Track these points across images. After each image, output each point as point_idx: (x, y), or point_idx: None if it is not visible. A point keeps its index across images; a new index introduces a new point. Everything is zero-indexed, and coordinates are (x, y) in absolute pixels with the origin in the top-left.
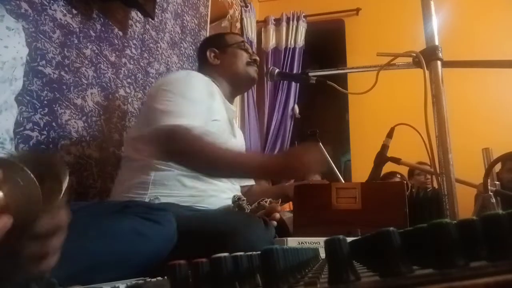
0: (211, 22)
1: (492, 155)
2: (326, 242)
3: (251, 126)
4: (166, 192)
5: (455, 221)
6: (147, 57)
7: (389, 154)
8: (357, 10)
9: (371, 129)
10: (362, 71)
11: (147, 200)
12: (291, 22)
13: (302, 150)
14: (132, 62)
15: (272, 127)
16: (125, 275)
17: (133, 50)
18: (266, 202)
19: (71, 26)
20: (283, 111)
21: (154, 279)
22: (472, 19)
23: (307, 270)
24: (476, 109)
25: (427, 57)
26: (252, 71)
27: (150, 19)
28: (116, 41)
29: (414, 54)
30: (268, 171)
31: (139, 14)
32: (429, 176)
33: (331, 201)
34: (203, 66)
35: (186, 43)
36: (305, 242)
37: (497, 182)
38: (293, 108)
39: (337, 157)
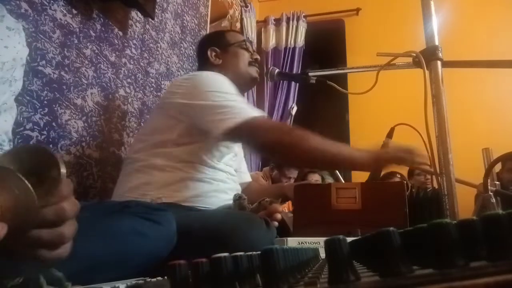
0: (211, 22)
1: (492, 155)
2: (326, 242)
3: None
4: (169, 193)
5: (455, 221)
6: (147, 57)
7: None
8: (357, 10)
9: (371, 129)
10: (362, 71)
11: (149, 201)
12: (291, 22)
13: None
14: (132, 62)
15: None
16: (125, 275)
17: (133, 50)
18: (267, 202)
19: (71, 26)
20: (283, 111)
21: (154, 279)
22: (472, 19)
23: (307, 270)
24: (476, 109)
25: (427, 57)
26: (254, 71)
27: (150, 19)
28: (116, 41)
29: (414, 54)
30: (379, 161)
31: (139, 14)
32: (429, 176)
33: (331, 201)
34: (204, 65)
35: (186, 43)
36: (305, 242)
37: (497, 182)
38: (291, 107)
39: None
